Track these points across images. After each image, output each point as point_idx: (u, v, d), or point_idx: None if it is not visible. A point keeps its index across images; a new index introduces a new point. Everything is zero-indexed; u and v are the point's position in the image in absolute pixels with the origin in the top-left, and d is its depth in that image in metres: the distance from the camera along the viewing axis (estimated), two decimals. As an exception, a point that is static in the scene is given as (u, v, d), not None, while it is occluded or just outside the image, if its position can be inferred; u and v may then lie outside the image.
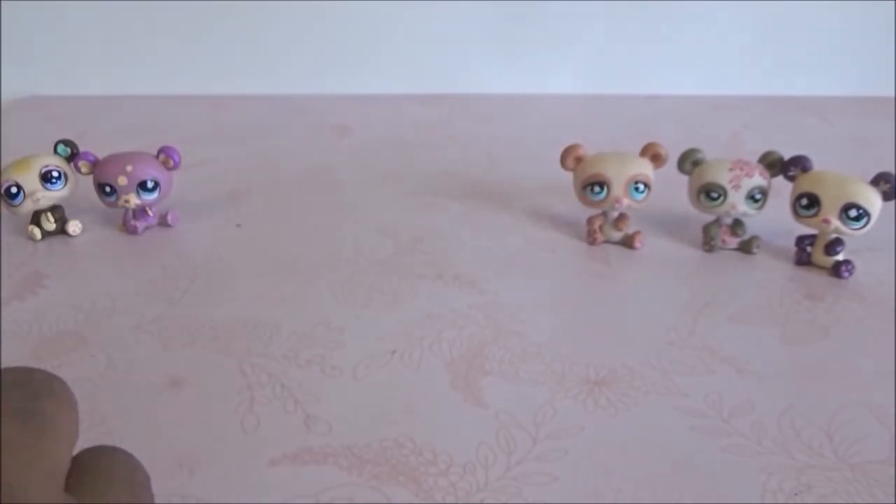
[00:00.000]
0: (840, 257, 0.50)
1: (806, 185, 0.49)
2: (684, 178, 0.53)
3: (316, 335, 0.44)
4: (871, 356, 0.42)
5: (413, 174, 0.69)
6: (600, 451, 0.35)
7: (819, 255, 0.51)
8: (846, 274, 0.50)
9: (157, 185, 0.55)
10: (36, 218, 0.56)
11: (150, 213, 0.57)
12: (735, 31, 0.91)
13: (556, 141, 0.56)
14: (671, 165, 0.53)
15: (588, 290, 0.50)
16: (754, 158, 0.52)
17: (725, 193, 0.51)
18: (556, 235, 0.56)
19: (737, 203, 0.51)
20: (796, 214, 0.50)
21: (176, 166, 0.55)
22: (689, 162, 0.52)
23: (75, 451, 0.22)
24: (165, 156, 0.55)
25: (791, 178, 0.51)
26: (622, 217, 0.54)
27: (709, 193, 0.51)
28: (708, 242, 0.54)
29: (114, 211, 0.58)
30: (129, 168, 0.54)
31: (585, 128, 0.82)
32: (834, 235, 0.50)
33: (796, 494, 0.32)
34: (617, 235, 0.55)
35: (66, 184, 0.55)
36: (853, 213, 0.47)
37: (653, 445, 0.35)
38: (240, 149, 0.76)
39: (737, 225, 0.53)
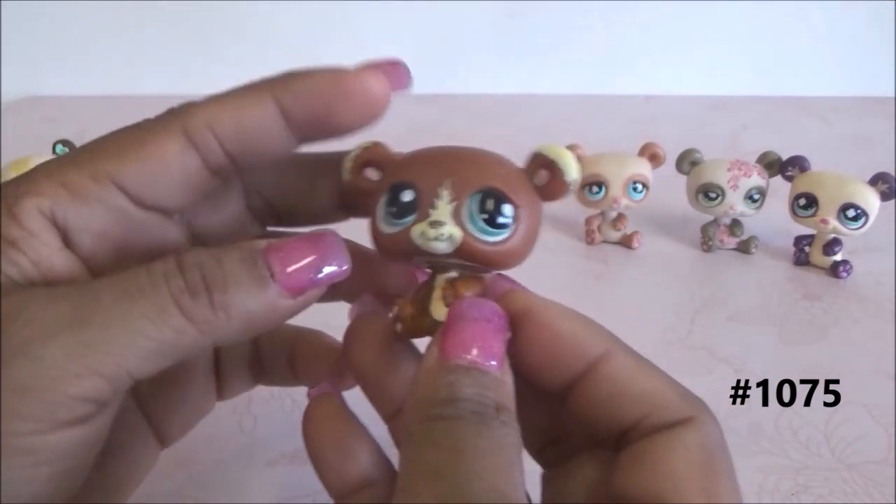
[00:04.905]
0: (838, 257, 0.50)
1: (804, 185, 0.49)
2: (683, 178, 0.53)
3: (314, 335, 0.44)
4: (869, 356, 0.42)
5: (412, 174, 0.69)
6: (598, 451, 0.34)
7: (817, 255, 0.51)
8: (844, 274, 0.50)
9: (155, 185, 0.54)
10: (35, 218, 0.56)
11: (148, 213, 0.57)
12: (734, 31, 0.91)
13: (555, 141, 0.56)
14: (669, 165, 0.53)
15: (586, 289, 0.50)
16: (753, 159, 0.52)
17: (724, 193, 0.51)
18: (554, 235, 0.56)
19: (735, 203, 0.51)
20: (794, 214, 0.50)
21: (174, 166, 0.55)
22: (688, 162, 0.52)
23: None
24: (164, 156, 0.55)
25: (789, 178, 0.51)
26: (620, 217, 0.54)
27: (707, 193, 0.51)
28: (706, 242, 0.54)
29: (112, 211, 0.58)
30: (127, 168, 0.53)
31: (584, 128, 0.82)
32: (832, 235, 0.50)
33: (793, 495, 0.32)
34: (615, 235, 0.55)
35: (64, 184, 0.55)
36: (851, 213, 0.47)
37: (650, 445, 0.35)
38: (239, 149, 0.76)
39: (735, 225, 0.53)
